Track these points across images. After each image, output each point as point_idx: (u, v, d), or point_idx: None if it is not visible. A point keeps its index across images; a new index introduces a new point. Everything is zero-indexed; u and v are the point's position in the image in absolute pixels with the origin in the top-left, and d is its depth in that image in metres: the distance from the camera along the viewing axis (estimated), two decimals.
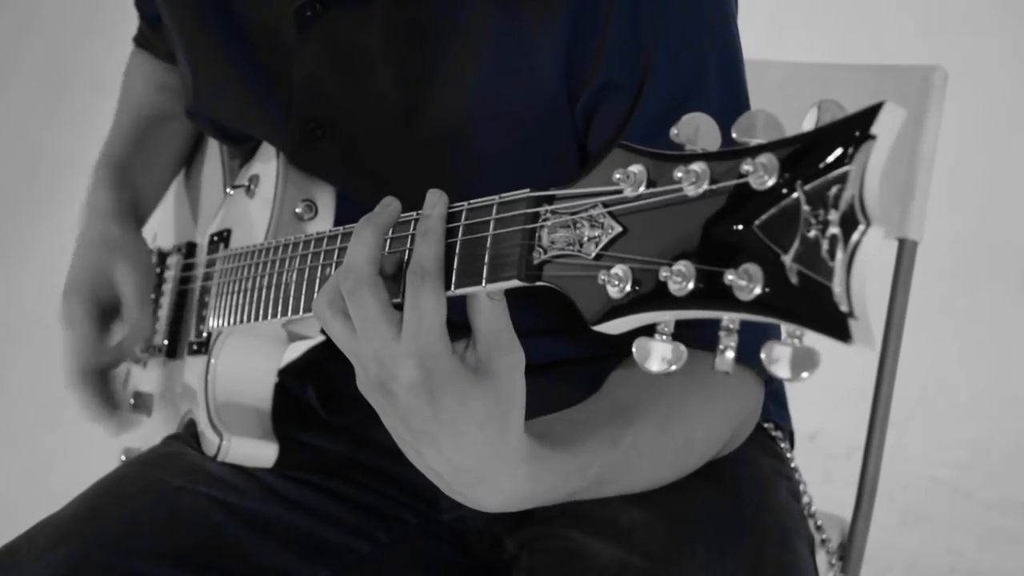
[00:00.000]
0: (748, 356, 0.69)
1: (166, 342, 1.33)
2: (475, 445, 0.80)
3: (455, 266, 0.81)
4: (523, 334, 0.83)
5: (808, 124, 0.61)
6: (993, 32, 3.22)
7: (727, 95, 1.01)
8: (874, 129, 0.58)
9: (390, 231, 0.86)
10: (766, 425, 1.20)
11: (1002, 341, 2.92)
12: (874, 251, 0.58)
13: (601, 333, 1.02)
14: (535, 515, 1.09)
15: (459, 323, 0.82)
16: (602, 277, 0.69)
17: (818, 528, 1.19)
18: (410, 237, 0.85)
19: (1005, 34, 3.22)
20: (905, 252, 1.36)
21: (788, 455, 1.19)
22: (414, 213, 0.85)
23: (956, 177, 2.51)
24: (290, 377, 1.29)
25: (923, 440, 2.62)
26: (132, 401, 1.39)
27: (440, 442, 0.81)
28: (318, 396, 1.26)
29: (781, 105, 1.09)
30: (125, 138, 1.39)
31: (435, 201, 0.82)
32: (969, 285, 2.97)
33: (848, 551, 1.32)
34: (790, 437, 1.25)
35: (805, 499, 1.16)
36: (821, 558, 1.21)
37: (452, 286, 0.81)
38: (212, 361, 1.18)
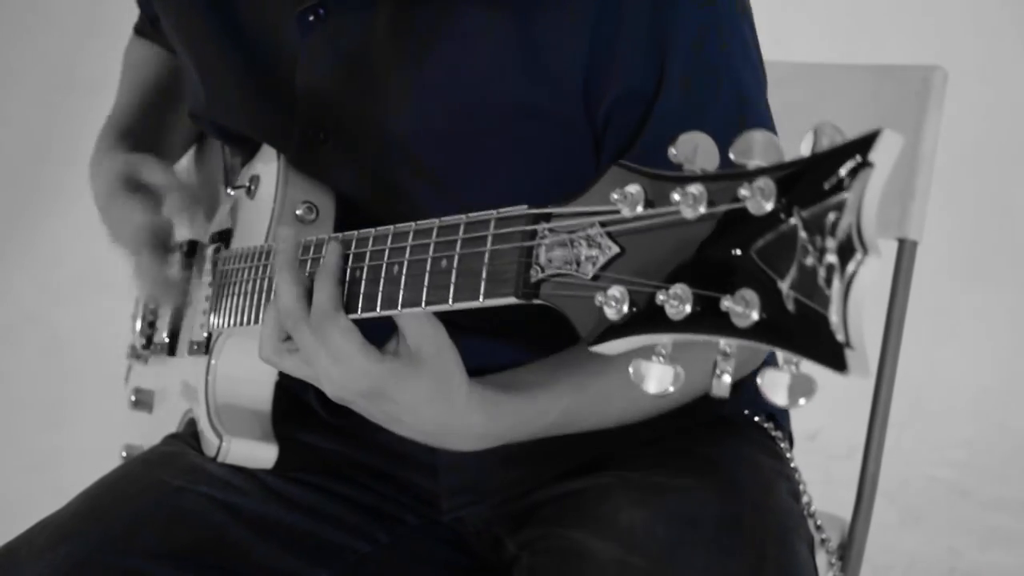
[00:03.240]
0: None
1: (167, 340, 1.33)
2: (430, 415, 0.94)
3: (452, 280, 0.83)
4: (465, 332, 0.92)
5: (805, 148, 0.61)
6: (993, 32, 3.22)
7: (739, 101, 1.01)
8: (872, 156, 0.57)
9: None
10: (766, 425, 1.20)
11: (1002, 341, 2.92)
12: (871, 280, 0.57)
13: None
14: (536, 515, 1.09)
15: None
16: (599, 298, 0.69)
17: (818, 528, 1.19)
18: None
19: (1005, 34, 3.22)
20: (905, 252, 1.36)
21: (788, 455, 1.19)
22: (392, 227, 0.90)
23: (956, 177, 2.51)
24: (290, 377, 1.29)
25: (923, 440, 2.62)
26: (133, 398, 1.39)
27: (403, 420, 0.95)
28: (317, 396, 1.26)
29: (781, 105, 1.09)
30: (130, 107, 1.38)
31: (333, 248, 0.94)
32: (969, 285, 2.97)
33: (848, 551, 1.33)
34: (789, 437, 1.25)
35: (805, 499, 1.16)
36: (821, 558, 1.21)
37: (450, 300, 0.83)
38: (212, 362, 1.18)
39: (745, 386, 1.14)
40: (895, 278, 1.36)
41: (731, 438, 1.14)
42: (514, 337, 1.13)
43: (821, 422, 2.58)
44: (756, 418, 1.20)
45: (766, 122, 1.04)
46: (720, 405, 1.11)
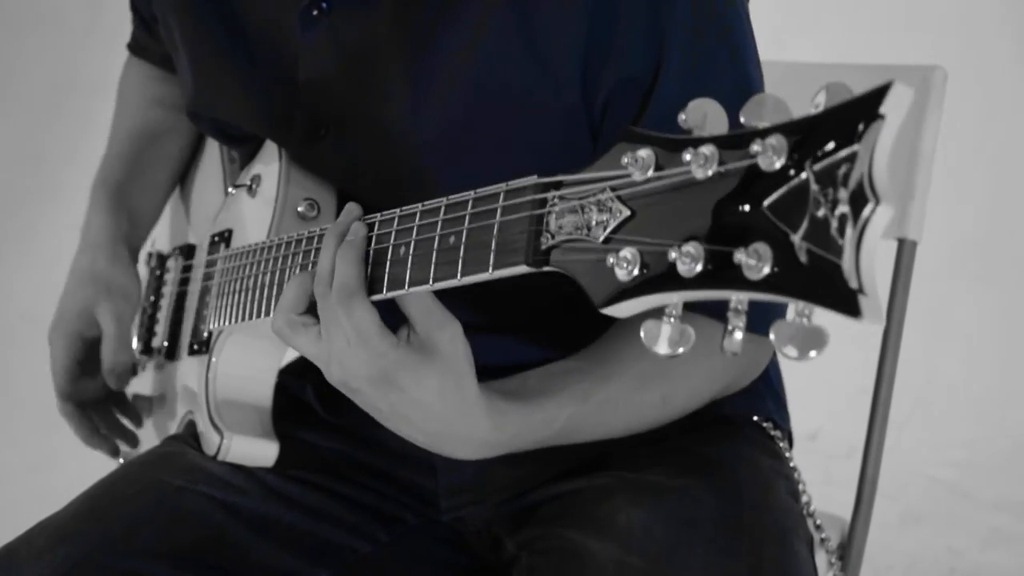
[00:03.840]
0: (753, 324, 0.69)
1: (166, 344, 1.33)
2: (440, 412, 0.91)
3: (461, 254, 0.82)
4: (478, 330, 0.92)
5: (816, 106, 0.61)
6: (993, 32, 3.22)
7: (737, 85, 1.02)
8: (883, 109, 0.58)
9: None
10: (765, 425, 1.20)
11: (1002, 341, 2.92)
12: (882, 229, 0.58)
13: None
14: (535, 516, 1.09)
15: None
16: (610, 260, 0.69)
17: (817, 527, 1.19)
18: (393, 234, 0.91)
19: (1005, 34, 3.22)
20: (905, 252, 1.36)
21: (787, 455, 1.19)
22: (398, 210, 0.91)
23: (956, 177, 2.51)
24: (289, 376, 1.29)
25: (923, 440, 2.62)
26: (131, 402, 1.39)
27: (410, 417, 0.93)
28: (316, 395, 1.26)
29: None
30: (120, 158, 1.40)
31: (356, 228, 0.93)
32: (969, 285, 2.97)
33: (848, 551, 1.32)
34: (789, 437, 1.25)
35: (804, 498, 1.16)
36: (821, 558, 1.21)
37: (459, 274, 0.83)
38: (213, 360, 1.18)
39: (745, 387, 1.14)
40: (895, 278, 1.36)
41: (730, 438, 1.14)
42: (525, 334, 1.13)
43: (821, 422, 2.59)
44: (755, 418, 1.20)
45: None
46: (720, 405, 1.11)
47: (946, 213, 2.06)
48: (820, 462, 2.11)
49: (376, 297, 0.91)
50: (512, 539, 1.10)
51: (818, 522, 1.20)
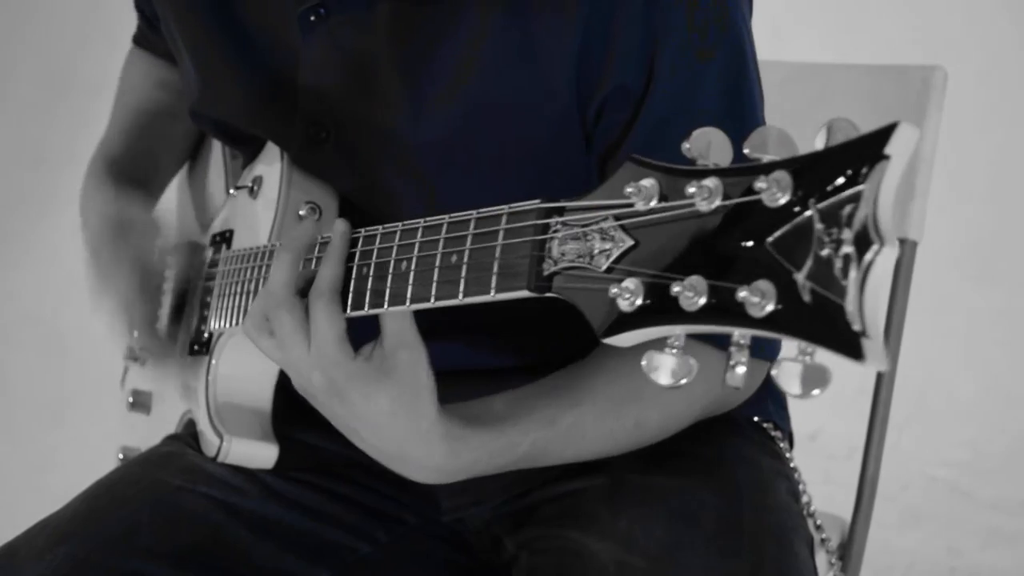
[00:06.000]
0: (754, 350, 0.69)
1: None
2: (391, 432, 0.91)
3: (463, 274, 0.82)
4: (447, 333, 0.93)
5: (819, 143, 0.61)
6: (993, 32, 3.21)
7: (731, 100, 1.01)
8: (888, 149, 0.58)
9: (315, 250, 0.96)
10: (765, 425, 1.20)
11: (1002, 341, 2.91)
12: (887, 272, 0.58)
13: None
14: (535, 516, 1.09)
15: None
16: (613, 290, 0.69)
17: (818, 527, 1.19)
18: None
19: (1005, 34, 3.22)
20: (905, 252, 1.36)
21: (787, 455, 1.20)
22: (400, 224, 0.90)
23: (956, 177, 2.50)
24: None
25: (923, 440, 2.62)
26: (131, 399, 1.39)
27: (361, 433, 0.93)
28: None
29: (781, 105, 1.09)
30: (121, 134, 1.38)
31: (338, 229, 0.93)
32: (969, 285, 2.97)
33: (848, 551, 1.33)
34: (789, 437, 1.25)
35: (804, 499, 1.16)
36: (821, 558, 1.21)
37: (460, 295, 0.82)
38: (213, 362, 1.18)
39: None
40: (895, 278, 1.36)
41: (731, 438, 1.14)
42: (495, 338, 1.13)
43: (821, 422, 2.58)
44: (756, 418, 1.20)
45: (757, 122, 1.04)
46: None
47: (946, 213, 2.06)
48: (820, 462, 2.10)
49: (376, 311, 0.90)
50: (512, 539, 1.10)
51: (818, 522, 1.20)
